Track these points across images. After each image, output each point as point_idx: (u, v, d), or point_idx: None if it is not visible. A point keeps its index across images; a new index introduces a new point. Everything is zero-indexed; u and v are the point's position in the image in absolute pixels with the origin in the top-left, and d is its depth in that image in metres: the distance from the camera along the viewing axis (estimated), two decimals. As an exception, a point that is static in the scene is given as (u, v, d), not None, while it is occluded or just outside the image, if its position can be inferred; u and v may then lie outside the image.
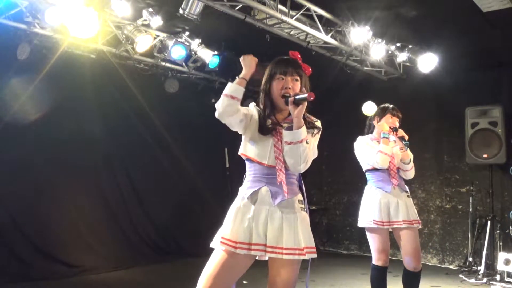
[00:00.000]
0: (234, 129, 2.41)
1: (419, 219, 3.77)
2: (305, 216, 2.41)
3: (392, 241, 3.84)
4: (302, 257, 2.31)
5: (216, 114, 2.34)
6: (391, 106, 3.89)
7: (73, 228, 6.01)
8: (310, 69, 2.53)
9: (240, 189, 2.44)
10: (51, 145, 5.80)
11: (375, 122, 3.90)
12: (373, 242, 3.74)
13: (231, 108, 2.31)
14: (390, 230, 3.76)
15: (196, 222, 7.05)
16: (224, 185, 7.46)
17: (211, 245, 2.33)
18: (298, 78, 2.44)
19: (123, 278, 5.83)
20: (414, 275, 3.72)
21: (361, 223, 3.80)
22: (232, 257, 2.27)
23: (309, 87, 2.47)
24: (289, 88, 2.39)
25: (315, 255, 2.37)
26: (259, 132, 2.40)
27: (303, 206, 2.43)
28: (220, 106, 2.32)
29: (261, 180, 2.38)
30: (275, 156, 2.38)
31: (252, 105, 2.51)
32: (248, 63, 2.42)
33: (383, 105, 3.93)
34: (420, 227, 3.78)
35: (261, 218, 2.30)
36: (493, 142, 6.37)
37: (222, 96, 2.33)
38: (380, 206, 3.70)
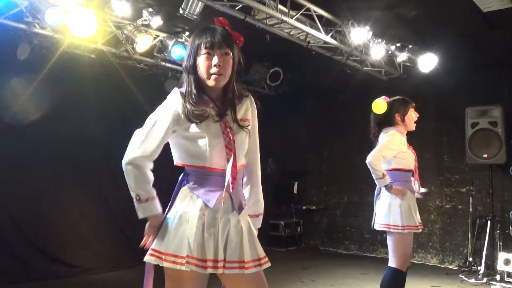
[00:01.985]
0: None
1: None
2: (252, 220, 2.13)
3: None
4: (264, 267, 2.03)
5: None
6: (408, 99, 3.79)
7: (73, 228, 6.02)
8: (242, 38, 2.05)
9: (188, 188, 2.02)
10: (51, 145, 5.80)
11: (398, 119, 3.72)
12: (402, 246, 3.57)
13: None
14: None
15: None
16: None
17: (166, 264, 1.92)
18: (229, 52, 1.97)
19: (123, 278, 5.83)
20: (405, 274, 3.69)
21: (382, 227, 3.59)
22: (199, 279, 1.96)
23: (242, 60, 2.06)
24: (219, 66, 1.95)
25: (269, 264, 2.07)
26: (193, 122, 1.96)
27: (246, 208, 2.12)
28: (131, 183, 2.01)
29: (219, 181, 1.99)
30: (226, 147, 1.96)
31: (177, 92, 2.04)
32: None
33: (399, 99, 3.79)
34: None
35: (224, 230, 1.97)
36: (493, 142, 6.37)
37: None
38: (410, 209, 3.59)
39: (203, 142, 1.98)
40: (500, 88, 6.71)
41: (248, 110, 2.10)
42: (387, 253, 3.80)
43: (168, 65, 6.38)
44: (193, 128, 1.99)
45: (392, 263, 3.59)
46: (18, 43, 4.99)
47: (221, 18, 2.04)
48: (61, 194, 5.95)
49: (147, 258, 1.99)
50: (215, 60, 1.95)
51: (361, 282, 5.83)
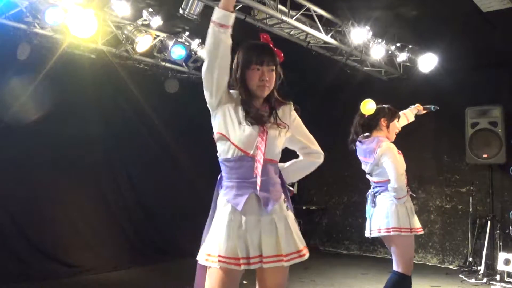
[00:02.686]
0: (214, 89, 2.19)
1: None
2: (291, 215, 2.32)
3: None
4: (303, 258, 2.23)
5: (206, 55, 2.15)
6: (396, 111, 3.76)
7: (73, 228, 6.02)
8: (282, 55, 2.34)
9: (221, 194, 2.25)
10: (51, 145, 5.80)
11: (383, 124, 3.68)
12: (410, 250, 3.53)
13: (221, 38, 2.10)
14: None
15: (196, 222, 7.03)
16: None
17: (204, 263, 2.16)
18: (274, 68, 2.26)
19: (123, 278, 5.83)
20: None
21: (391, 231, 3.50)
22: (231, 275, 2.14)
23: (282, 74, 2.34)
24: (266, 81, 2.23)
25: (308, 254, 2.27)
26: (244, 119, 2.19)
27: (286, 204, 2.33)
28: (209, 39, 2.11)
29: (245, 183, 2.19)
30: (257, 146, 2.19)
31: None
32: None
33: (388, 107, 3.75)
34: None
35: (254, 229, 2.16)
36: (493, 142, 6.37)
37: (210, 28, 2.11)
38: (408, 211, 3.55)
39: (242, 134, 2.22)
40: (500, 88, 6.71)
41: (286, 115, 2.38)
42: (387, 253, 3.79)
43: (168, 65, 6.38)
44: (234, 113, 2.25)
45: (398, 267, 3.52)
46: (18, 43, 4.99)
47: (265, 35, 2.35)
48: (61, 194, 5.95)
49: (198, 257, 2.23)
50: (263, 74, 2.23)
51: (361, 282, 5.83)
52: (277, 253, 2.15)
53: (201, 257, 2.19)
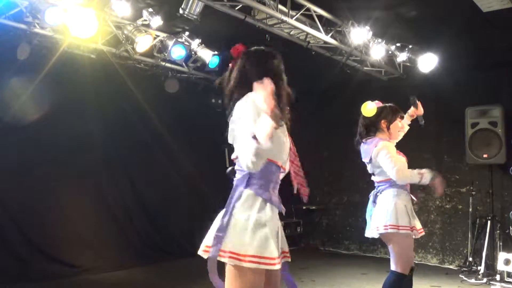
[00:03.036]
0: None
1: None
2: None
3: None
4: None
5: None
6: (398, 109, 3.75)
7: (73, 228, 6.02)
8: (241, 48, 2.35)
9: (253, 192, 2.17)
10: (51, 145, 5.80)
11: (383, 125, 3.69)
12: (408, 249, 3.51)
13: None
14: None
15: (196, 222, 7.05)
16: (224, 185, 7.46)
17: (248, 265, 2.07)
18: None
19: (123, 278, 5.83)
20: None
21: (389, 228, 3.47)
22: (272, 275, 2.24)
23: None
24: None
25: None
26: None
27: None
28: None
29: (275, 184, 2.27)
30: (290, 160, 2.34)
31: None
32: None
33: (390, 106, 3.74)
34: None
35: (279, 229, 2.25)
36: (493, 142, 6.37)
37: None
38: (408, 211, 3.53)
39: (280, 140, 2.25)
40: (500, 88, 6.71)
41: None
42: (387, 253, 3.76)
43: (168, 65, 6.38)
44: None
45: (395, 267, 3.50)
46: (18, 43, 4.99)
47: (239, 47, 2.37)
48: (61, 194, 5.95)
49: (226, 260, 2.11)
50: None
51: (361, 282, 5.83)
52: (286, 249, 2.34)
53: (234, 259, 2.07)
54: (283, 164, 2.29)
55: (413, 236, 3.53)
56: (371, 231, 3.61)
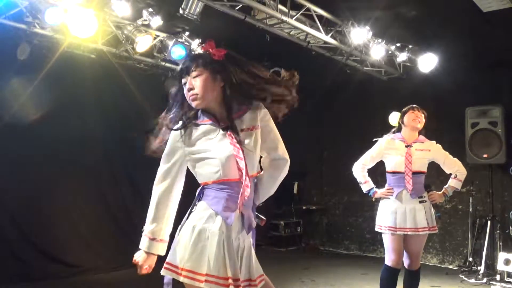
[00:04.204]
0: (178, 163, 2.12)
1: (428, 225, 3.80)
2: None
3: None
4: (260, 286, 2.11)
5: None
6: (407, 107, 4.02)
7: (73, 228, 6.01)
8: (221, 51, 2.12)
9: (206, 204, 2.05)
10: (51, 145, 5.80)
11: (402, 126, 4.03)
12: (390, 245, 3.82)
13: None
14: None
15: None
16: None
17: (185, 281, 1.95)
18: (201, 71, 2.05)
19: (123, 278, 5.82)
20: (411, 273, 3.88)
21: (376, 228, 3.94)
22: None
23: (235, 70, 2.09)
24: (192, 90, 2.06)
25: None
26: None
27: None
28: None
29: (232, 197, 2.03)
30: (236, 156, 2.00)
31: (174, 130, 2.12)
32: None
33: (403, 110, 4.05)
34: (430, 232, 3.84)
35: (234, 248, 2.01)
36: (493, 142, 6.37)
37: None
38: (391, 212, 3.84)
39: (213, 156, 2.04)
40: (500, 88, 6.71)
41: (256, 118, 2.11)
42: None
43: (168, 65, 6.38)
44: (200, 146, 2.06)
45: (385, 260, 3.86)
46: (18, 43, 4.99)
47: (210, 42, 2.14)
48: (61, 194, 5.95)
49: (163, 271, 2.04)
50: (187, 85, 2.07)
51: (361, 282, 5.83)
52: (250, 277, 2.04)
53: (171, 271, 2.00)
54: (231, 176, 2.02)
55: (402, 234, 3.78)
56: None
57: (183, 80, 2.10)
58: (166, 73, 6.68)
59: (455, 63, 6.49)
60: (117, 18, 5.20)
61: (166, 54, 5.89)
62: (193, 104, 2.07)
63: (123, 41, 5.52)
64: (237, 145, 2.01)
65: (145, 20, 5.36)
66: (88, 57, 5.82)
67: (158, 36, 5.79)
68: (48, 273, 5.48)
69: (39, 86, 5.51)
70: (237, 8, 4.80)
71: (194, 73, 2.06)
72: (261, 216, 2.21)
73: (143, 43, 5.45)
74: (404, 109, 4.01)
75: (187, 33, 5.97)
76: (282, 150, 2.23)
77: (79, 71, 5.92)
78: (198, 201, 2.10)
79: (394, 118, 4.15)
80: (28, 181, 5.61)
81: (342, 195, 8.27)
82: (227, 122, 2.06)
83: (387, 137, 3.97)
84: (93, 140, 6.31)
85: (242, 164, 2.00)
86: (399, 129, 4.04)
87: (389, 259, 3.81)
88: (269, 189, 2.24)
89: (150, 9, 5.24)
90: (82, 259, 5.92)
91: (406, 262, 3.86)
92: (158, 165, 2.20)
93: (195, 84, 2.05)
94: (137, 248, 2.22)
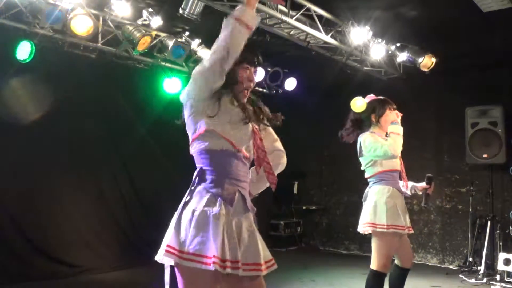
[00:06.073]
0: (216, 84, 2.05)
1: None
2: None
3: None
4: (273, 268, 2.12)
5: (222, 50, 1.95)
6: (389, 100, 3.69)
7: (73, 228, 6.01)
8: None
9: (205, 187, 2.07)
10: (51, 145, 5.80)
11: (373, 120, 3.67)
12: (385, 247, 3.49)
13: (244, 39, 1.98)
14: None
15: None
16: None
17: (191, 264, 1.93)
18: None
19: (123, 278, 5.83)
20: (407, 271, 3.68)
21: (367, 226, 3.52)
22: (216, 277, 1.97)
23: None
24: (253, 82, 2.25)
25: (275, 266, 2.15)
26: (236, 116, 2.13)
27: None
28: (231, 36, 1.94)
29: (233, 180, 2.08)
30: (254, 145, 2.16)
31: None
32: None
33: (378, 99, 3.71)
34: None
35: (235, 231, 2.02)
36: (493, 142, 6.37)
37: (231, 22, 1.97)
38: (397, 209, 3.51)
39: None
40: (500, 88, 6.71)
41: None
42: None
43: (168, 65, 6.38)
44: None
45: (372, 264, 3.52)
46: (18, 43, 4.99)
47: None
48: (61, 194, 5.95)
49: (165, 255, 1.99)
50: (249, 75, 2.24)
51: (361, 282, 5.78)
52: (256, 261, 2.03)
53: (174, 255, 1.96)
54: (242, 147, 2.12)
55: (394, 233, 3.49)
56: (360, 227, 3.66)
57: (246, 66, 2.19)
58: (166, 73, 6.69)
59: (455, 63, 6.49)
60: (117, 18, 5.19)
61: (166, 54, 5.89)
62: (245, 94, 2.22)
63: (123, 41, 5.52)
64: (257, 132, 2.19)
65: (145, 20, 5.35)
66: (88, 57, 5.82)
67: (158, 36, 5.79)
68: (48, 273, 5.48)
69: (39, 86, 5.51)
70: (236, 8, 4.79)
71: (255, 69, 2.25)
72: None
73: (143, 43, 5.45)
74: (383, 103, 3.66)
75: (187, 33, 5.97)
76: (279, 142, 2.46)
77: (79, 71, 5.92)
78: (197, 184, 2.11)
79: (360, 105, 3.64)
80: (28, 181, 5.61)
81: (342, 195, 8.27)
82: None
83: (369, 134, 3.59)
84: (93, 140, 6.31)
85: (258, 142, 2.16)
86: (363, 121, 3.67)
87: (383, 264, 3.48)
88: (262, 184, 2.35)
89: (150, 9, 5.24)
90: (82, 259, 5.92)
91: (401, 260, 3.65)
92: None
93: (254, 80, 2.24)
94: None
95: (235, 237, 2.00)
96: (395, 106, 3.72)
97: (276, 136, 2.46)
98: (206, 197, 2.04)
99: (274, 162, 2.34)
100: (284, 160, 2.44)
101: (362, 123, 3.72)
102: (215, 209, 2.00)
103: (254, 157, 2.17)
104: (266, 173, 2.17)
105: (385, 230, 3.46)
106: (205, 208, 2.00)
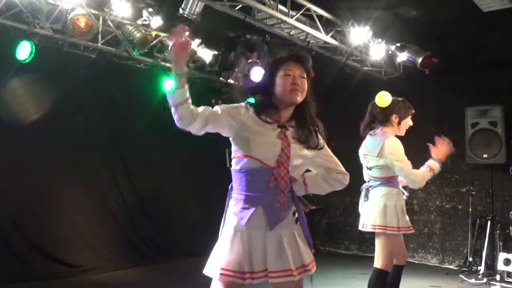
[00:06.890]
0: (224, 134, 2.24)
1: None
2: (299, 228, 2.26)
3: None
4: (309, 273, 2.25)
5: (207, 125, 2.25)
6: (411, 106, 3.75)
7: (73, 228, 6.02)
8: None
9: (230, 206, 2.24)
10: (51, 145, 5.80)
11: (394, 120, 3.69)
12: (392, 247, 3.53)
13: (188, 116, 2.18)
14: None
15: (196, 222, 7.05)
16: (225, 185, 7.46)
17: (209, 274, 2.17)
18: (306, 75, 2.26)
19: (123, 278, 5.83)
20: (402, 268, 3.70)
21: (377, 229, 3.54)
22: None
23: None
24: (298, 85, 2.22)
25: (314, 267, 2.30)
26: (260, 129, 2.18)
27: (295, 216, 2.26)
28: (178, 120, 2.18)
29: (255, 197, 2.16)
30: (280, 162, 2.15)
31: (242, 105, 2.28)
32: (175, 55, 2.15)
33: (404, 101, 3.73)
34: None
35: (259, 244, 2.14)
36: (493, 142, 6.37)
37: (172, 110, 2.17)
38: (403, 211, 3.57)
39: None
40: (500, 88, 6.71)
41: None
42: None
43: (168, 65, 6.37)
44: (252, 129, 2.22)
45: (377, 263, 3.55)
46: (18, 43, 4.99)
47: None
48: (61, 194, 5.95)
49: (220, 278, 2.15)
50: (292, 77, 2.24)
51: (361, 282, 5.82)
52: (285, 268, 2.12)
53: (207, 269, 2.18)
54: (272, 164, 2.16)
55: (401, 234, 3.57)
56: (363, 226, 3.65)
57: (285, 67, 2.20)
58: (166, 73, 6.69)
59: (455, 63, 6.49)
60: (117, 18, 5.20)
61: (166, 54, 5.89)
62: (293, 96, 2.21)
63: (123, 41, 5.52)
64: (286, 141, 2.20)
65: (145, 20, 5.36)
66: (88, 57, 5.82)
67: (158, 36, 5.79)
68: (48, 273, 5.48)
69: (39, 86, 5.51)
70: (237, 8, 4.80)
71: (303, 73, 2.23)
72: (306, 202, 2.37)
73: (143, 43, 5.45)
74: (407, 107, 3.72)
75: (187, 33, 5.96)
76: (341, 166, 2.70)
77: (79, 71, 5.92)
78: (228, 205, 2.29)
79: (386, 100, 3.66)
80: (28, 181, 5.61)
81: (342, 195, 8.26)
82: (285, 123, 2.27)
83: (399, 142, 3.64)
84: (93, 140, 6.32)
85: (285, 160, 2.15)
86: (383, 118, 3.69)
87: (388, 263, 3.52)
88: (320, 187, 2.54)
89: (150, 9, 5.24)
90: (82, 259, 5.92)
91: (398, 258, 3.64)
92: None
93: (301, 84, 2.22)
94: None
95: (256, 250, 2.13)
96: (413, 112, 3.77)
97: (330, 160, 2.60)
98: (230, 215, 2.23)
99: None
100: (342, 180, 2.68)
101: (382, 119, 3.70)
102: (231, 227, 2.18)
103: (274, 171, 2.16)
104: (280, 192, 2.18)
105: (396, 233, 3.51)
106: (228, 225, 2.21)
